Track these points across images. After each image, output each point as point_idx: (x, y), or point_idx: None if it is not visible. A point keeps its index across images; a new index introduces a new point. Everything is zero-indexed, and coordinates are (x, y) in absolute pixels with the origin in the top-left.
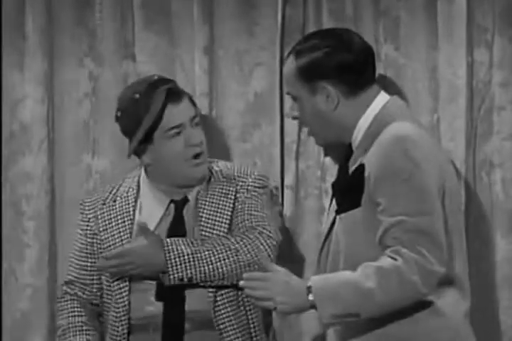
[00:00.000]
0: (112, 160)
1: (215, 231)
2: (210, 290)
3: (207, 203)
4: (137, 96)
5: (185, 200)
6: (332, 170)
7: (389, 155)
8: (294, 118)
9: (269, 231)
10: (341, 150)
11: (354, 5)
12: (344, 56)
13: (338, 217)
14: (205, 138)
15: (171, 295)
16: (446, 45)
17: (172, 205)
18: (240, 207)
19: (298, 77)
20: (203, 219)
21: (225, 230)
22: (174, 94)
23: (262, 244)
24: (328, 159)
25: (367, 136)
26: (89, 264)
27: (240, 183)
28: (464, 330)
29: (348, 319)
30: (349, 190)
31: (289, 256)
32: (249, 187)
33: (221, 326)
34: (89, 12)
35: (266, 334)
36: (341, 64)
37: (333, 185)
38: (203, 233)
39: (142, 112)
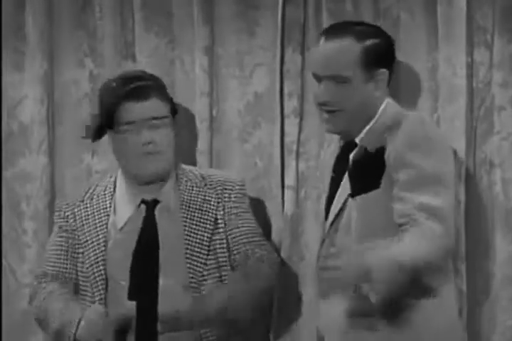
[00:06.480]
0: (112, 160)
1: (198, 236)
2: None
3: (190, 209)
4: (113, 84)
5: (156, 201)
6: None
7: (412, 134)
8: (324, 104)
9: (266, 250)
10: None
11: (354, 5)
12: (393, 46)
13: (352, 200)
14: (170, 140)
15: (144, 295)
16: (446, 45)
17: (143, 205)
18: (232, 217)
19: (361, 59)
20: (187, 224)
21: (209, 235)
22: (141, 92)
23: (269, 267)
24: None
25: (382, 124)
26: (68, 260)
27: (227, 191)
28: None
29: None
30: (368, 172)
31: (290, 255)
32: (238, 195)
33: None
34: (89, 12)
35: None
36: (393, 53)
37: (349, 169)
38: (188, 238)
39: (105, 102)
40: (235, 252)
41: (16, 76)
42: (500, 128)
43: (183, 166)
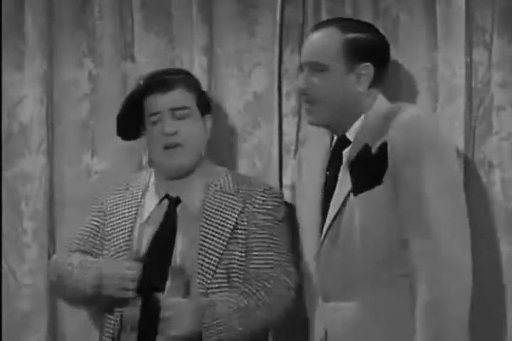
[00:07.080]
0: (112, 161)
1: (213, 243)
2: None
3: (211, 213)
4: (140, 82)
5: (178, 200)
6: None
7: (418, 130)
8: (304, 93)
9: (288, 274)
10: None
11: (353, 5)
12: (386, 44)
13: (353, 198)
14: (194, 133)
15: (150, 292)
16: (445, 45)
17: (166, 200)
18: (254, 229)
19: (343, 50)
20: (204, 229)
21: (224, 243)
22: (163, 84)
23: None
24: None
25: (377, 120)
26: (97, 242)
27: (258, 201)
28: None
29: None
30: (371, 169)
31: None
32: (269, 207)
33: None
34: (88, 12)
35: None
36: (384, 51)
37: (350, 166)
38: (202, 243)
39: (130, 98)
40: (247, 267)
41: (15, 76)
42: (499, 128)
43: (218, 167)
